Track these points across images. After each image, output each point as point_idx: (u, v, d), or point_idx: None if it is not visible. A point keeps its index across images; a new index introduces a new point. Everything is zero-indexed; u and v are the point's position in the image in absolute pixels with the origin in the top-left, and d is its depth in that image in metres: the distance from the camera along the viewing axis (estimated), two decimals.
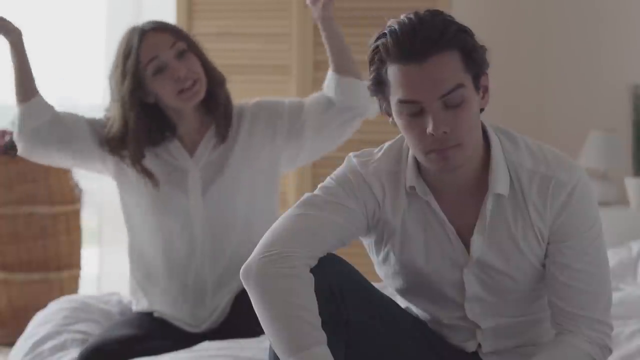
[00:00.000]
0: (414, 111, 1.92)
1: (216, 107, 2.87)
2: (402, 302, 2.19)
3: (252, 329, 2.67)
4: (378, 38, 1.95)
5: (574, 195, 1.99)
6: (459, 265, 2.05)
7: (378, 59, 1.94)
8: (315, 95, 2.98)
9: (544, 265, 2.03)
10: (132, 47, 2.81)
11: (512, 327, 2.10)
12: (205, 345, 2.70)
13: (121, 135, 2.84)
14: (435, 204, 2.03)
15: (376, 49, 1.94)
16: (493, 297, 2.06)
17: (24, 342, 2.92)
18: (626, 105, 4.82)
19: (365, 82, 2.89)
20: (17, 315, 4.41)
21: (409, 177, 2.03)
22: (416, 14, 1.92)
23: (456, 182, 2.02)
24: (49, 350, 2.81)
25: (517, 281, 2.04)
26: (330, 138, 2.97)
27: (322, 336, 1.91)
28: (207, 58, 2.89)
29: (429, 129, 1.90)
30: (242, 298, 2.74)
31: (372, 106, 2.95)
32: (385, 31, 1.93)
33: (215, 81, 2.88)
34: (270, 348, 1.97)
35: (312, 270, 1.96)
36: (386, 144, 2.10)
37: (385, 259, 2.10)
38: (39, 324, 2.98)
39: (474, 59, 1.93)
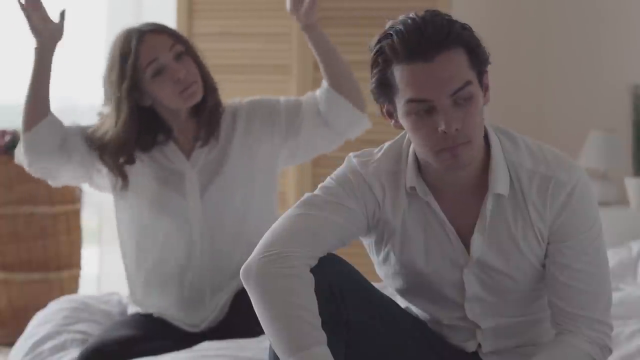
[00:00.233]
0: (423, 110, 1.92)
1: (203, 111, 2.86)
2: (402, 302, 2.19)
3: (251, 329, 2.66)
4: (380, 40, 1.94)
5: (574, 195, 1.99)
6: (459, 265, 2.05)
7: (382, 60, 1.94)
8: (311, 94, 2.98)
9: (543, 266, 2.04)
10: (130, 48, 2.80)
11: (512, 327, 2.10)
12: (205, 345, 2.70)
13: (109, 135, 2.83)
14: (435, 204, 2.03)
15: (380, 51, 1.94)
16: (493, 297, 2.06)
17: (24, 342, 2.92)
18: (626, 105, 4.82)
19: (352, 107, 2.91)
20: (17, 315, 4.41)
21: (409, 177, 2.03)
22: (417, 14, 1.92)
23: (456, 182, 2.02)
24: (49, 350, 2.81)
25: (517, 281, 2.04)
26: (328, 137, 2.97)
27: (322, 336, 1.91)
28: (202, 62, 2.88)
29: (442, 127, 1.90)
30: (241, 297, 2.74)
31: (352, 131, 2.96)
32: (391, 32, 1.92)
33: (208, 86, 2.87)
34: (270, 348, 1.97)
35: (312, 270, 1.96)
36: (386, 144, 2.10)
37: (386, 259, 2.10)
38: (39, 324, 2.98)
39: (478, 55, 1.94)
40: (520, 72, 4.94)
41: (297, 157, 3.02)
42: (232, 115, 2.94)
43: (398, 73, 1.92)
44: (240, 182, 2.90)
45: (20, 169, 3.01)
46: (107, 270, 5.23)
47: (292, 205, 2.06)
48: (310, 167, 4.47)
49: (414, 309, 2.18)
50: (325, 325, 1.92)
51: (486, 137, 2.03)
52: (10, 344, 4.02)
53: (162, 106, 2.85)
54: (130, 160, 2.84)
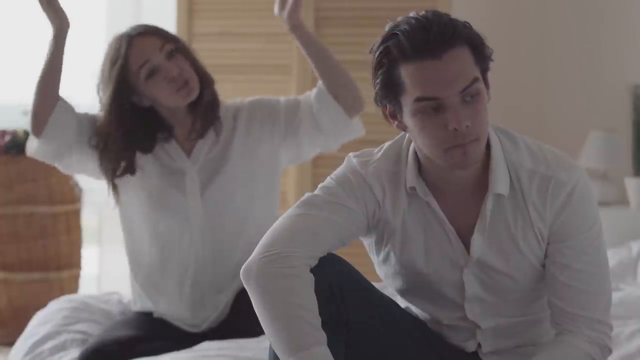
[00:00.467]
0: (431, 108, 1.92)
1: (200, 106, 2.87)
2: (402, 302, 2.19)
3: (252, 329, 2.66)
4: (385, 40, 1.94)
5: (574, 195, 1.99)
6: (459, 265, 2.05)
7: (388, 61, 1.93)
8: (308, 94, 2.98)
9: (543, 266, 2.04)
10: (119, 54, 2.81)
11: (512, 327, 2.10)
12: (206, 345, 2.70)
13: (105, 140, 2.84)
14: (435, 204, 2.03)
15: (385, 51, 1.93)
16: (493, 297, 2.06)
17: (23, 342, 2.92)
18: (626, 105, 4.82)
19: (342, 110, 2.91)
20: (17, 315, 4.41)
21: (409, 177, 2.03)
22: (418, 14, 1.92)
23: (457, 182, 2.02)
24: (49, 350, 2.81)
25: (517, 281, 2.04)
26: (321, 138, 2.97)
27: (322, 336, 1.91)
28: (195, 58, 2.89)
29: (452, 125, 1.90)
30: (242, 297, 2.74)
31: (340, 134, 2.95)
32: (396, 31, 1.92)
33: (205, 81, 2.88)
34: (270, 348, 1.97)
35: (312, 270, 1.96)
36: (386, 144, 2.10)
37: (386, 259, 2.10)
38: (39, 324, 2.98)
39: (482, 53, 1.95)
40: (520, 72, 4.94)
41: (298, 156, 3.02)
42: (233, 115, 2.94)
43: (405, 72, 1.92)
44: (241, 182, 2.90)
45: (20, 168, 3.01)
46: (107, 270, 5.23)
47: (292, 205, 2.06)
48: (310, 167, 4.47)
49: (414, 309, 2.18)
50: (325, 325, 1.92)
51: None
52: (10, 343, 4.02)
53: (161, 106, 2.86)
54: (131, 170, 2.85)
